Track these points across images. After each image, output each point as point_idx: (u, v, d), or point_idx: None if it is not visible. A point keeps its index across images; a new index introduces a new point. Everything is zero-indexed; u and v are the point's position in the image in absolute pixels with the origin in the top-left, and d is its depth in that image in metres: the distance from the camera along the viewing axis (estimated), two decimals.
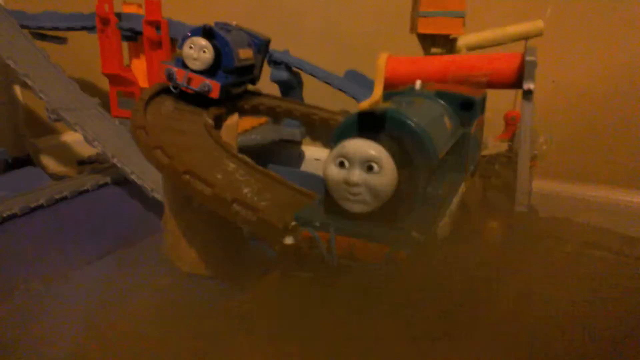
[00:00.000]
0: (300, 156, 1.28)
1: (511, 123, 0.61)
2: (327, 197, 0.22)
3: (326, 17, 1.14)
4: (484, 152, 0.56)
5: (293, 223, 0.28)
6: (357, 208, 0.21)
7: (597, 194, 1.01)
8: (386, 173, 0.20)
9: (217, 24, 0.66)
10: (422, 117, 0.23)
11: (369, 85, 1.07)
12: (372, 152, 0.20)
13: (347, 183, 0.20)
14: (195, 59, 0.60)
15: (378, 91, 0.50)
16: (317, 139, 1.28)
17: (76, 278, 0.67)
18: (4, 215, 0.80)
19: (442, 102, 0.28)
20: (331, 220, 0.22)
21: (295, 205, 0.38)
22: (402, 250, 0.20)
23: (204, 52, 0.60)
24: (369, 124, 0.20)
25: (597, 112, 0.97)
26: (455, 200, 0.26)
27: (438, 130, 0.24)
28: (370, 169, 0.20)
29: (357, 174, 0.20)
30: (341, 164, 0.21)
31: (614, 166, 0.99)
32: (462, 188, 0.29)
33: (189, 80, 0.61)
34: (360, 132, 0.21)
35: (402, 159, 0.21)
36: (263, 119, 1.23)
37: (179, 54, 0.62)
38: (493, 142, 0.62)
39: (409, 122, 0.22)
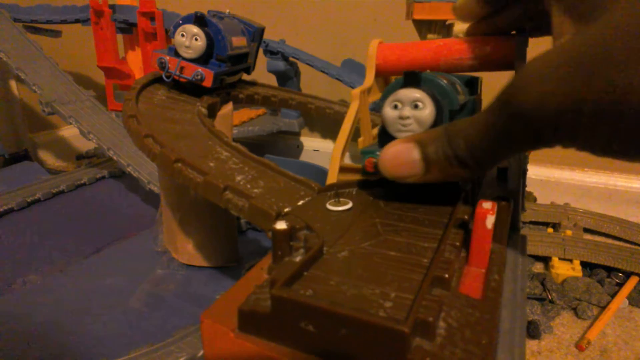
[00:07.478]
0: (299, 147, 1.27)
1: None
2: (382, 134, 0.30)
3: (322, 5, 1.13)
4: None
5: (286, 209, 0.30)
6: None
7: (596, 180, 1.00)
8: (427, 108, 0.29)
9: (209, 12, 0.65)
10: (444, 78, 0.31)
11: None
12: (418, 95, 0.29)
13: (401, 117, 0.29)
14: (187, 47, 0.59)
15: (370, 78, 0.49)
16: (315, 129, 1.27)
17: (74, 271, 0.67)
18: (1, 210, 0.80)
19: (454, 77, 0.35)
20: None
21: (290, 192, 0.37)
22: None
23: (196, 39, 0.59)
24: (411, 80, 0.30)
25: None
26: None
27: (454, 87, 0.32)
28: (416, 107, 0.29)
29: (408, 110, 0.29)
30: (395, 107, 0.29)
31: None
32: None
33: (182, 68, 0.60)
34: (405, 84, 0.30)
35: (435, 104, 0.29)
36: (261, 111, 1.22)
37: (173, 44, 0.61)
38: None
39: (437, 79, 0.30)
